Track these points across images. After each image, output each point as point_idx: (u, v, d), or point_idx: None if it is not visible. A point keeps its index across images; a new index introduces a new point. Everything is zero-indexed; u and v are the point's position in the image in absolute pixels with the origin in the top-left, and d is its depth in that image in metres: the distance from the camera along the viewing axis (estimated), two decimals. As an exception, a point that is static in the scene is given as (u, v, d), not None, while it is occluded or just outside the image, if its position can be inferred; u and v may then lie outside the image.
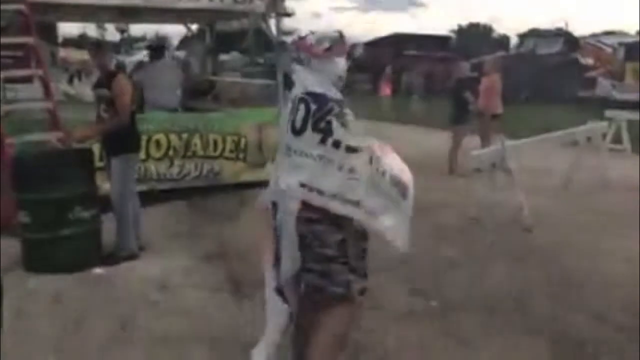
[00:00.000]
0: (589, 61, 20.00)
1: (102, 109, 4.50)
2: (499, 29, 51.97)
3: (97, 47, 4.82)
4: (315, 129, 2.40)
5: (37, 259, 4.27)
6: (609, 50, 20.00)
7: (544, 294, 3.93)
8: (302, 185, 2.40)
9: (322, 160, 2.38)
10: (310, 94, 2.46)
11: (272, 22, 7.15)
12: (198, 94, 8.47)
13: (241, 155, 6.70)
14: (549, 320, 3.54)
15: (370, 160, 2.42)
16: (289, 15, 7.20)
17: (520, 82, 17.52)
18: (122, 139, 4.50)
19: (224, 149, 6.59)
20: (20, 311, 3.50)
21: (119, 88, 4.44)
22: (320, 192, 2.38)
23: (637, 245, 4.66)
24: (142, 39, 39.47)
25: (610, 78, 18.31)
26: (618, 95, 17.13)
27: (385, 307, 3.64)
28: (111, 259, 4.47)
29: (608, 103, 14.35)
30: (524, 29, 27.96)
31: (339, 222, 2.45)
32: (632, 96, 16.60)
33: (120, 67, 12.00)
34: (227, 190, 6.37)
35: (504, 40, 36.28)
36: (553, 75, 18.65)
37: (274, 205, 2.57)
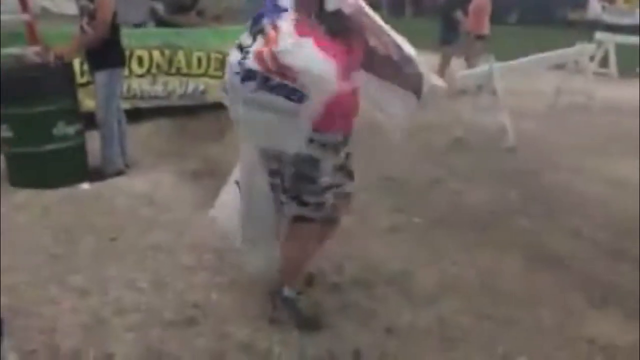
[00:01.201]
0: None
1: (84, 21, 4.35)
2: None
3: None
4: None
5: (22, 174, 4.28)
6: (601, -29, 19.50)
7: (524, 212, 4.05)
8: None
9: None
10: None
11: None
12: (182, 9, 8.21)
13: (226, 74, 6.58)
14: (527, 235, 3.67)
15: None
16: None
17: (510, 3, 17.20)
18: (106, 53, 4.38)
19: (208, 67, 6.46)
20: (11, 223, 3.55)
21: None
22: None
23: (618, 167, 4.79)
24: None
25: (601, 0, 17.99)
26: (608, 18, 16.89)
27: (369, 223, 3.73)
28: (97, 175, 4.47)
29: (598, 26, 14.17)
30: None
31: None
32: (622, 20, 16.40)
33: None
34: (212, 110, 6.31)
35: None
36: (544, -3, 18.28)
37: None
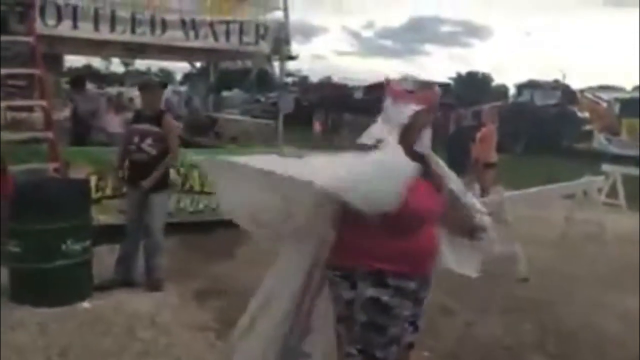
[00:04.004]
0: (586, 114, 20.30)
1: (147, 143, 4.58)
2: (498, 79, 52.99)
3: (150, 86, 4.89)
4: None
5: (25, 290, 4.21)
6: (605, 104, 20.33)
7: (538, 346, 3.87)
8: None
9: None
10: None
11: (276, 64, 7.26)
12: (200, 130, 8.56)
13: (238, 193, 6.69)
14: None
15: None
16: (293, 58, 7.34)
17: (518, 132, 17.69)
18: (165, 175, 4.68)
19: (221, 186, 6.59)
20: (6, 341, 3.43)
21: (170, 126, 4.73)
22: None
23: (633, 301, 4.63)
24: (147, 72, 40.04)
25: (606, 132, 18.56)
26: (614, 149, 17.32)
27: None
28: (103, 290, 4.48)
29: (604, 157, 14.49)
30: (522, 79, 28.55)
31: (354, 279, 2.28)
32: (628, 151, 16.80)
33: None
34: (223, 227, 6.33)
35: (502, 89, 36.92)
36: (550, 127, 18.87)
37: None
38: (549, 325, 4.27)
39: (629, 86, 36.95)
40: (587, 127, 19.31)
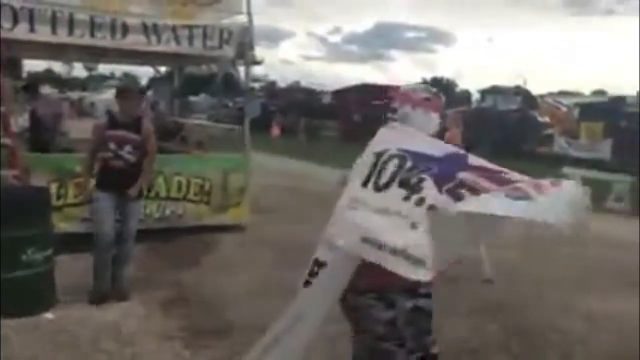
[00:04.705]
0: (546, 119, 20.84)
1: (126, 151, 4.51)
2: (462, 84, 53.95)
3: (127, 92, 4.78)
4: (402, 184, 2.19)
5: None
6: (564, 109, 20.92)
7: (503, 347, 3.93)
8: (365, 240, 2.11)
9: (396, 216, 2.13)
10: (408, 151, 2.27)
11: (242, 69, 7.23)
12: (166, 135, 8.44)
13: (205, 199, 6.64)
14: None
15: None
16: (258, 63, 7.32)
17: (482, 136, 18.03)
18: (141, 184, 4.62)
19: (188, 192, 6.53)
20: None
21: (149, 132, 4.66)
22: (381, 247, 2.08)
23: (598, 302, 4.75)
24: (111, 76, 39.41)
25: (566, 136, 19.08)
26: (574, 153, 17.81)
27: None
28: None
29: (565, 160, 14.89)
30: (485, 85, 29.10)
31: (390, 298, 2.29)
32: (587, 154, 17.31)
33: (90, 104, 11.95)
34: (188, 234, 6.27)
35: (466, 95, 37.54)
36: (513, 131, 19.31)
37: (319, 264, 2.23)
38: (514, 327, 4.34)
39: (587, 91, 38.10)
40: (548, 131, 19.84)
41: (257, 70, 7.38)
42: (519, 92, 25.09)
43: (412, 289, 2.26)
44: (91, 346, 3.65)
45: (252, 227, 6.75)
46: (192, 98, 24.44)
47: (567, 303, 4.91)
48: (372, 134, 2.41)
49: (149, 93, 16.74)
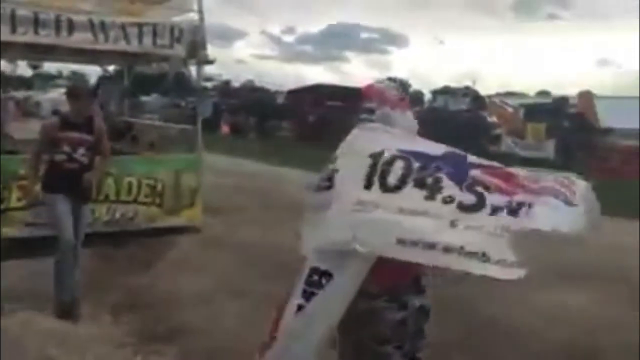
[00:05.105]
0: (494, 119, 21.45)
1: (80, 153, 4.36)
2: (415, 85, 54.80)
3: (78, 92, 4.59)
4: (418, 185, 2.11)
5: None
6: (511, 109, 21.58)
7: (460, 343, 4.01)
8: (400, 241, 2.00)
9: (425, 216, 2.04)
10: (409, 152, 2.21)
11: (194, 68, 7.12)
12: (115, 135, 8.23)
13: (157, 201, 6.51)
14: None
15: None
16: (210, 62, 7.22)
17: (435, 136, 18.39)
18: (92, 187, 4.51)
19: (139, 194, 6.38)
20: None
21: (102, 131, 4.54)
22: (431, 246, 2.00)
23: (556, 298, 4.89)
24: (58, 75, 38.05)
25: (513, 136, 19.68)
26: (521, 152, 18.38)
27: None
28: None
29: (513, 159, 15.31)
30: (437, 86, 29.70)
31: (402, 299, 2.24)
32: (533, 153, 17.89)
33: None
34: (139, 237, 6.12)
35: (419, 95, 38.15)
36: (463, 131, 19.74)
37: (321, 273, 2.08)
38: (471, 322, 4.43)
39: (532, 92, 39.39)
40: (497, 131, 20.41)
41: (210, 69, 7.29)
42: (468, 92, 25.71)
43: (419, 286, 2.28)
44: (37, 354, 3.52)
45: (206, 228, 6.65)
46: (144, 98, 23.94)
47: (524, 299, 5.04)
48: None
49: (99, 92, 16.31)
